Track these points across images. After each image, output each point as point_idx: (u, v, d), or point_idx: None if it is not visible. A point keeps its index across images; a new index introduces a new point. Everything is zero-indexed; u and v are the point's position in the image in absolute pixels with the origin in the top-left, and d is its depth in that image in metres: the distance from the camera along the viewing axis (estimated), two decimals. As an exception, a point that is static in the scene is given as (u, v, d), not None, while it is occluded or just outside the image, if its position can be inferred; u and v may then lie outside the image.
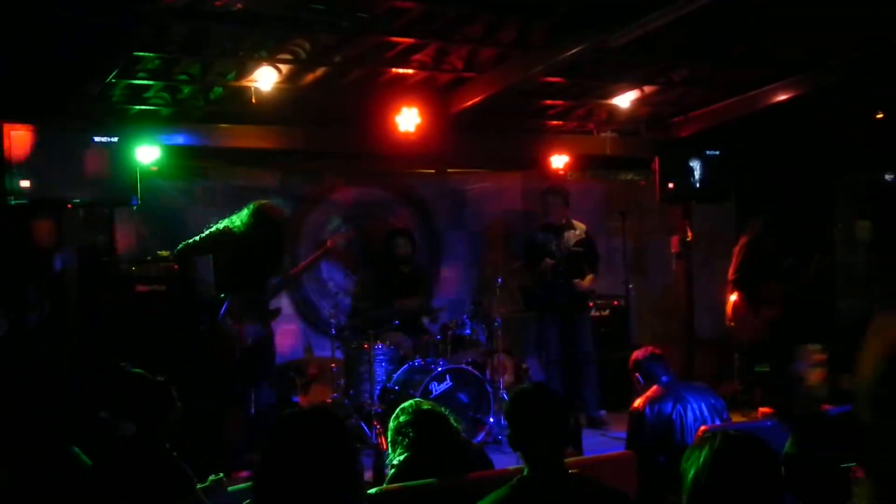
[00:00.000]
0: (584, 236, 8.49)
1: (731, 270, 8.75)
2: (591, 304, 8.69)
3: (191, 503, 4.05)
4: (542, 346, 8.49)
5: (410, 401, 4.18)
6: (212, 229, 6.91)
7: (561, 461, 3.26)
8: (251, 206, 6.90)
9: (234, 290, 6.81)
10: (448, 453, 3.95)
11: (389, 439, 4.10)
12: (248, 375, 6.94)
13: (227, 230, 6.86)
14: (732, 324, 8.83)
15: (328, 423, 2.95)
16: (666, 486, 3.99)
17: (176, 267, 6.99)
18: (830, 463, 3.40)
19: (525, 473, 3.23)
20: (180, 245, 6.93)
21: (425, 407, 4.11)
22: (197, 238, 6.91)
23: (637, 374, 5.47)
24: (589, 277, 8.42)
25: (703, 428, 4.90)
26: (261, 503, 2.89)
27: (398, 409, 4.13)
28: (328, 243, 7.53)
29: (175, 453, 4.24)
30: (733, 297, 8.78)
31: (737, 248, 8.79)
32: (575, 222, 8.51)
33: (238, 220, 6.87)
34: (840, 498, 3.35)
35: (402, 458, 3.98)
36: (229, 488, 4.66)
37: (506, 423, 3.45)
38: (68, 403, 6.60)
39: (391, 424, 4.10)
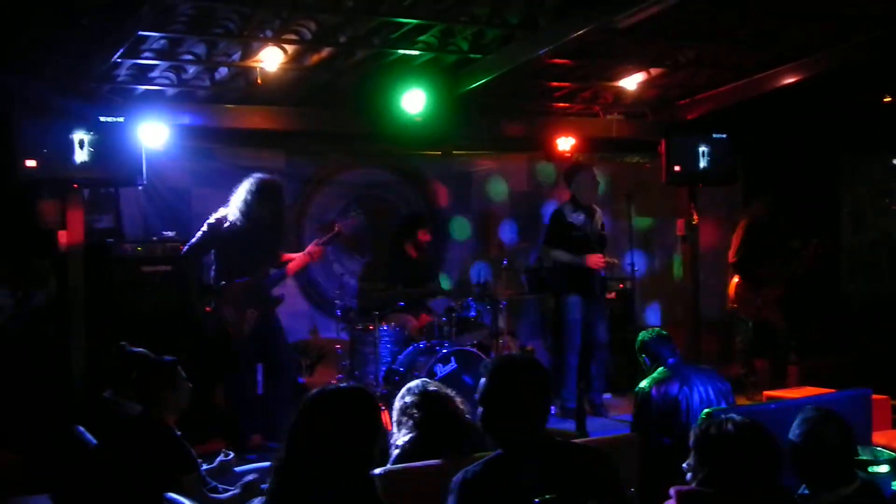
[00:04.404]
0: (601, 220, 8.22)
1: (731, 253, 8.77)
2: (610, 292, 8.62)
3: (193, 482, 4.05)
4: (555, 329, 8.28)
5: (417, 381, 4.18)
6: (210, 221, 6.93)
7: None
8: (254, 182, 6.87)
9: (232, 279, 6.83)
10: (454, 434, 3.95)
11: (395, 419, 4.09)
12: (249, 359, 6.96)
13: (224, 217, 6.86)
14: (735, 306, 8.85)
15: (364, 400, 3.04)
16: (670, 468, 3.99)
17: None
18: (834, 448, 3.40)
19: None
20: (185, 248, 7.02)
21: (431, 388, 4.10)
22: (198, 235, 6.95)
23: (643, 355, 5.46)
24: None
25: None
26: (285, 480, 2.92)
27: (404, 389, 4.12)
28: (337, 228, 7.38)
29: (179, 433, 4.25)
30: (735, 280, 8.80)
31: (737, 231, 8.81)
32: (594, 206, 8.22)
33: (239, 199, 6.84)
34: (844, 480, 3.35)
35: (406, 438, 3.98)
36: (236, 468, 4.68)
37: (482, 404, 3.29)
38: (74, 382, 6.63)
39: (396, 404, 4.09)
